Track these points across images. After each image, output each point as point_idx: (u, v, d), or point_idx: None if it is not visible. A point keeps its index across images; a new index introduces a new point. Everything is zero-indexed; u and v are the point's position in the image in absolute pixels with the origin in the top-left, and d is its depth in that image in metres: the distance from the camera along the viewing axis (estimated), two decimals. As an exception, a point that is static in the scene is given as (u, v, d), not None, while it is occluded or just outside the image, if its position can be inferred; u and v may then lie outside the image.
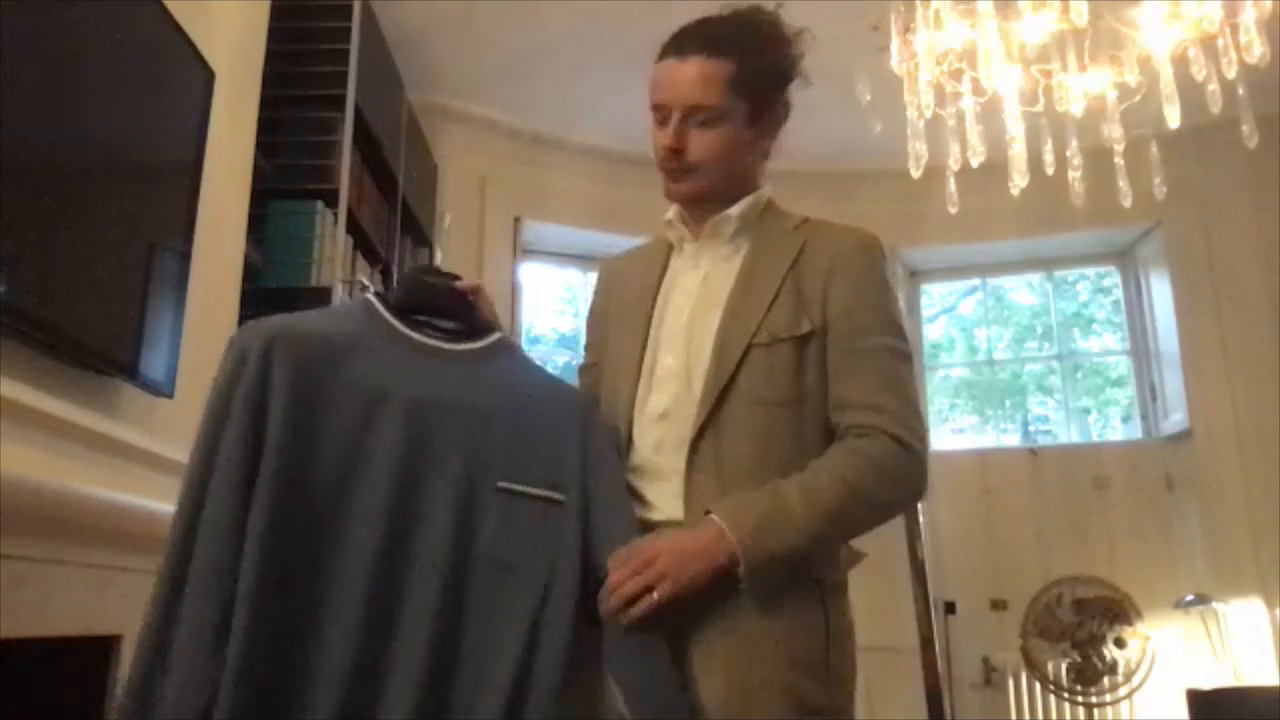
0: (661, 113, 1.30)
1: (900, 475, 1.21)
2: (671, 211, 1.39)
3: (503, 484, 1.17)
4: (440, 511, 1.12)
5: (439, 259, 4.01)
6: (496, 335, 1.28)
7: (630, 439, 1.29)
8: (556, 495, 1.18)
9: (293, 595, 1.06)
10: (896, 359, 1.26)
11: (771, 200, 1.39)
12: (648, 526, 1.23)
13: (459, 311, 1.27)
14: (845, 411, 1.23)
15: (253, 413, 1.08)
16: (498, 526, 1.14)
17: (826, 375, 1.25)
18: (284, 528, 1.07)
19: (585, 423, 1.24)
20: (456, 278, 1.30)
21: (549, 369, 1.36)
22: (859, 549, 1.31)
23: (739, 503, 1.17)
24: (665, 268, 1.38)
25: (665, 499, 1.24)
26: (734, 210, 1.34)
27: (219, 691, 1.00)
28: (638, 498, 1.26)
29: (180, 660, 1.01)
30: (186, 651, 1.01)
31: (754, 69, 1.28)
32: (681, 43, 1.29)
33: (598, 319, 1.48)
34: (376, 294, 1.26)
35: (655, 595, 1.11)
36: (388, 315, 1.22)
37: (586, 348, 1.50)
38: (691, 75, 1.27)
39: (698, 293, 1.33)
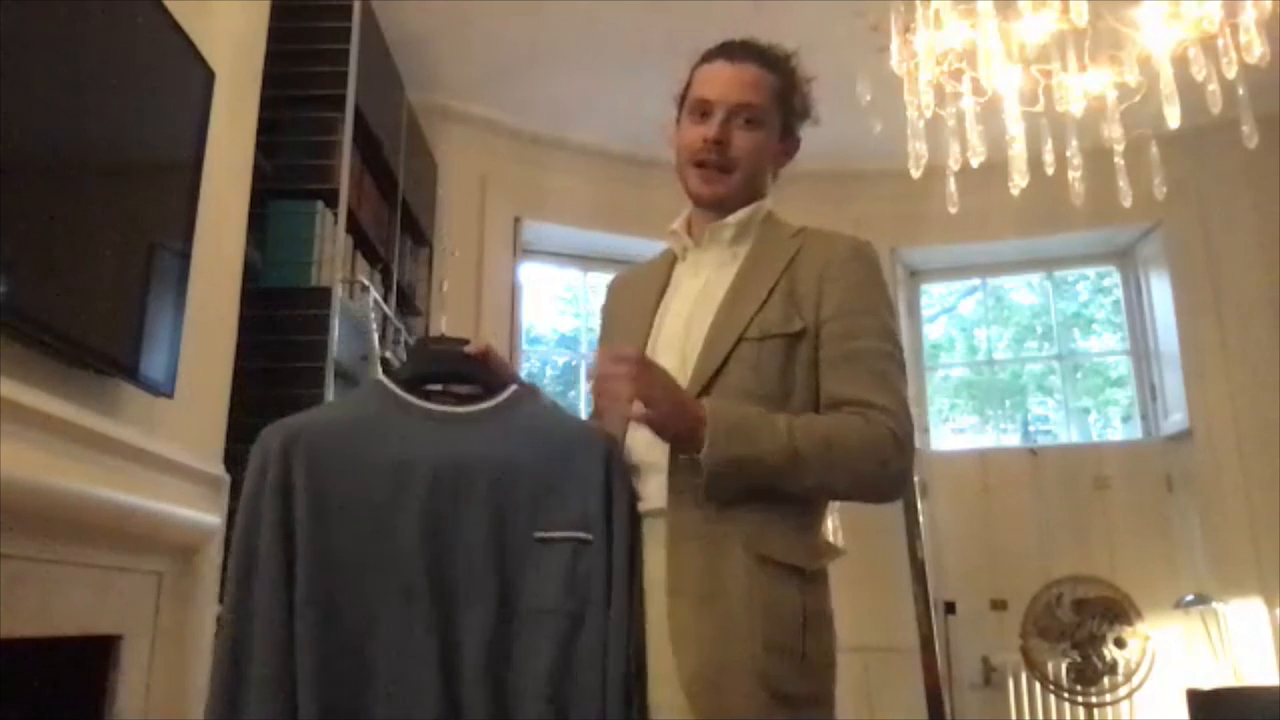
0: (705, 108, 1.37)
1: (884, 460, 1.22)
2: (678, 220, 1.44)
3: (539, 534, 1.20)
4: (479, 574, 1.17)
5: (437, 253, 4.02)
6: (512, 388, 1.30)
7: (624, 433, 1.31)
8: (586, 536, 1.21)
9: (345, 675, 1.11)
10: (889, 362, 1.29)
11: (771, 212, 1.44)
12: (638, 516, 1.26)
13: (473, 374, 1.29)
14: (839, 408, 1.26)
15: (280, 508, 1.13)
16: (538, 576, 1.18)
17: (815, 374, 1.28)
18: (327, 613, 1.12)
19: (608, 461, 1.26)
20: (465, 342, 1.32)
21: (567, 411, 1.39)
22: (836, 545, 1.34)
23: (729, 405, 1.21)
24: (669, 277, 1.44)
25: (653, 489, 1.26)
26: (732, 218, 1.39)
27: None
28: (634, 492, 1.28)
29: None
30: None
31: (792, 90, 1.40)
32: (733, 50, 1.40)
33: (605, 333, 1.53)
34: (385, 373, 1.31)
35: (633, 410, 1.17)
36: (398, 391, 1.25)
37: None
38: (745, 77, 1.37)
39: (696, 297, 1.37)
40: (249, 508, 1.15)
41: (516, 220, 4.47)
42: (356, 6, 2.90)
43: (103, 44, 1.69)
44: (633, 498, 1.26)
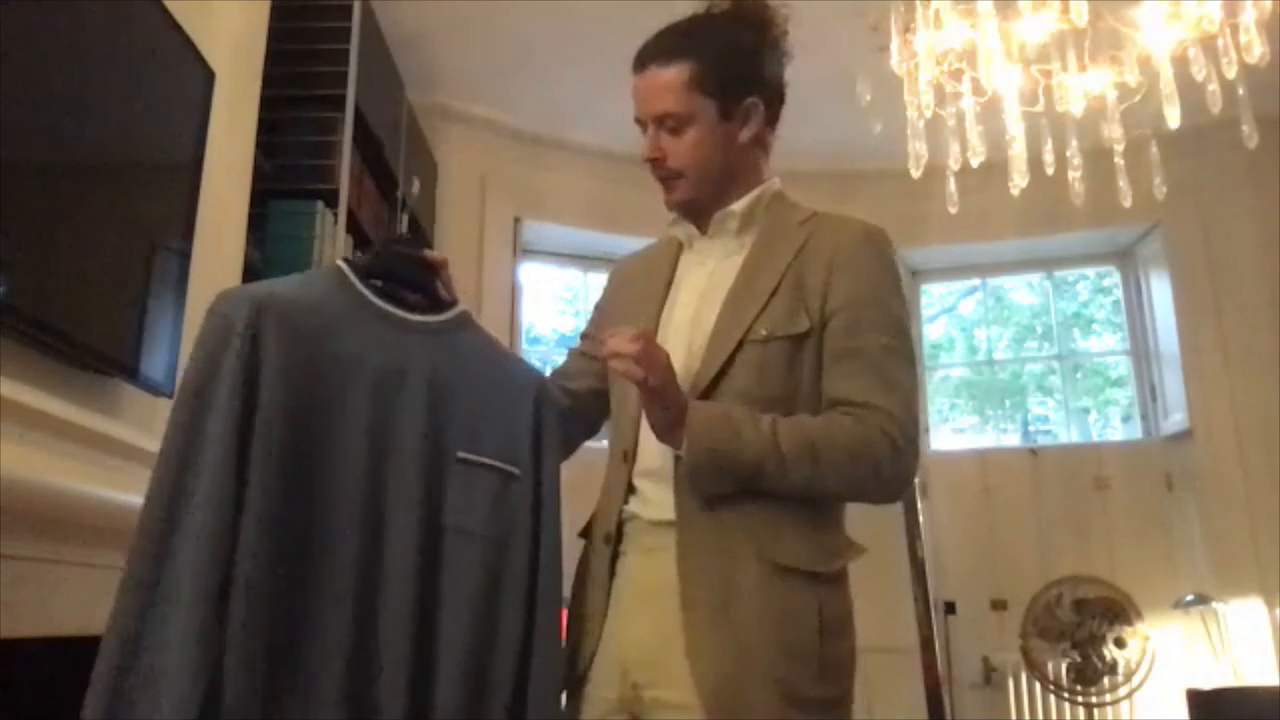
0: (641, 126, 1.33)
1: (877, 464, 1.19)
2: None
3: (462, 454, 1.20)
4: (408, 481, 1.17)
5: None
6: (460, 309, 1.30)
7: (636, 441, 1.29)
8: (514, 470, 1.22)
9: (289, 568, 1.08)
10: (894, 357, 1.23)
11: (781, 193, 1.38)
12: (643, 523, 1.25)
13: (424, 284, 1.29)
14: (835, 408, 1.22)
15: (244, 384, 1.09)
16: (459, 495, 1.19)
17: (820, 372, 1.24)
18: (278, 497, 1.08)
19: (540, 400, 1.27)
20: (426, 248, 1.32)
21: (505, 345, 1.40)
22: (858, 543, 1.29)
23: (715, 403, 1.21)
24: (675, 266, 1.39)
25: (662, 496, 1.24)
26: (737, 205, 1.33)
27: (226, 649, 1.01)
28: (644, 498, 1.27)
29: (180, 621, 1.00)
30: (186, 609, 1.01)
31: (713, 65, 1.29)
32: (640, 56, 1.32)
33: (603, 314, 1.48)
34: (347, 261, 1.28)
35: (649, 379, 1.16)
36: (360, 286, 1.24)
37: (583, 334, 1.51)
38: (650, 85, 1.30)
39: (703, 289, 1.33)
40: (203, 377, 1.09)
41: (516, 220, 4.47)
42: (356, 6, 2.90)
43: (103, 44, 1.69)
44: (560, 436, 1.27)
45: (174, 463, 1.07)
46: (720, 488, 1.19)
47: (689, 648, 1.16)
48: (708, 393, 1.23)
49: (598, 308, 1.52)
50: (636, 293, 1.41)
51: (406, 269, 1.28)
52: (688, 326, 1.30)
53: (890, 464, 1.19)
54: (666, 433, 1.20)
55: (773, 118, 1.37)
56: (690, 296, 1.33)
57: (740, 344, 1.24)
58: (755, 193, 1.34)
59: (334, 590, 1.10)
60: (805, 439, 1.18)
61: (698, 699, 1.14)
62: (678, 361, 1.27)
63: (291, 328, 1.14)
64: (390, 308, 1.24)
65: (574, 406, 1.37)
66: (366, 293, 1.23)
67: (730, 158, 1.33)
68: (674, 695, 1.16)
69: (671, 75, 1.28)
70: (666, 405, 1.18)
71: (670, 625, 1.18)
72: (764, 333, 1.24)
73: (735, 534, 1.19)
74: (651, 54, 1.31)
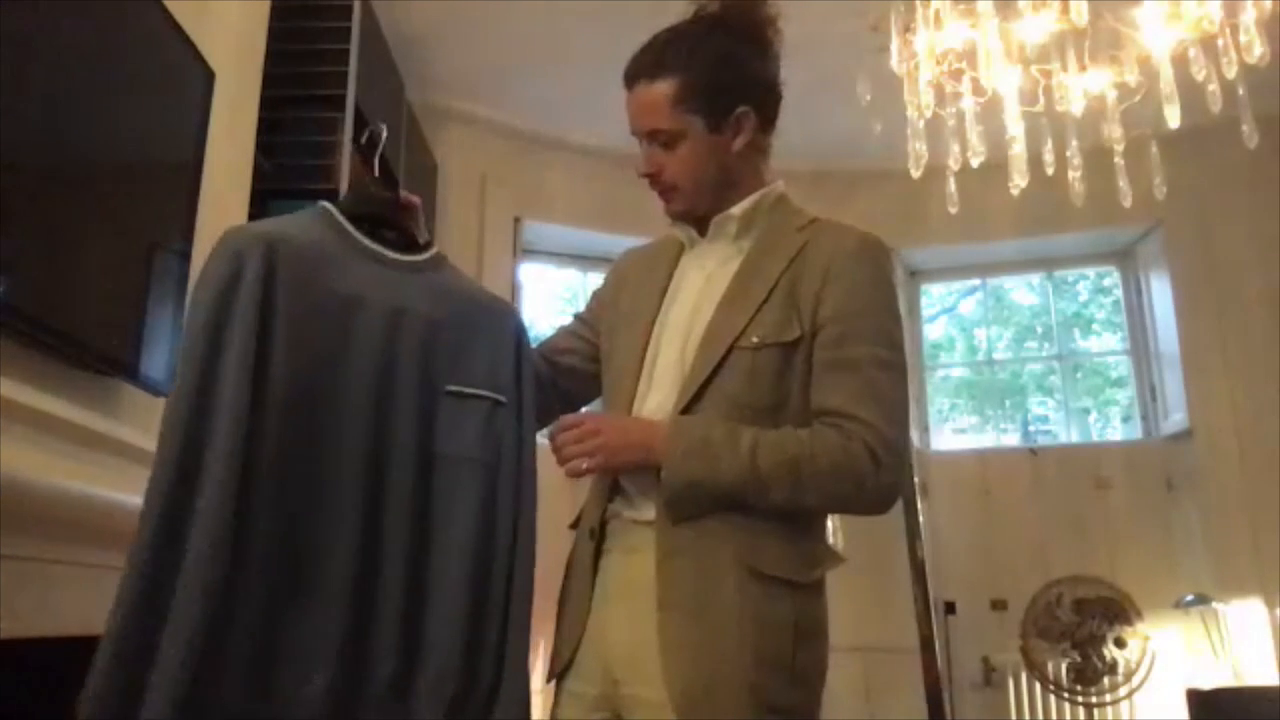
0: (637, 140, 1.34)
1: (860, 479, 1.18)
2: None
3: (452, 387, 1.27)
4: (405, 412, 1.23)
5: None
6: (436, 250, 1.36)
7: None
8: (500, 397, 1.29)
9: (301, 490, 1.15)
10: (884, 369, 1.22)
11: (783, 197, 1.37)
12: (626, 522, 1.27)
13: (399, 223, 1.34)
14: (821, 419, 1.22)
15: (259, 318, 1.14)
16: (450, 424, 1.26)
17: (810, 380, 1.24)
18: (291, 427, 1.15)
19: (518, 334, 1.35)
20: (397, 192, 1.37)
21: (478, 282, 1.49)
22: (838, 552, 1.30)
23: (694, 422, 1.22)
24: (675, 266, 1.39)
25: (644, 496, 1.25)
26: (736, 210, 1.33)
27: (242, 562, 1.08)
28: (628, 497, 1.28)
29: (200, 546, 1.05)
30: (206, 534, 1.06)
31: (698, 79, 1.28)
32: (627, 72, 1.33)
33: (601, 301, 1.49)
34: (331, 202, 1.33)
35: (586, 464, 1.23)
36: (348, 226, 1.29)
37: (577, 315, 1.53)
38: (639, 103, 1.31)
39: (700, 291, 1.33)
40: (216, 309, 1.13)
41: (516, 220, 4.47)
42: (356, 6, 2.90)
43: (103, 44, 1.69)
44: (534, 366, 1.35)
45: (193, 387, 1.10)
46: (699, 513, 1.20)
47: (663, 647, 1.17)
48: (698, 396, 1.23)
49: (596, 295, 1.52)
50: (636, 291, 1.41)
51: (383, 210, 1.34)
52: (682, 329, 1.30)
53: (873, 478, 1.18)
54: (644, 464, 1.23)
55: (768, 120, 1.35)
56: (687, 298, 1.34)
57: (731, 349, 1.23)
58: (755, 197, 1.34)
59: (342, 520, 1.16)
60: (786, 457, 1.17)
61: (663, 693, 1.15)
62: (672, 359, 1.28)
63: (299, 267, 1.20)
64: (379, 248, 1.30)
65: (552, 376, 1.42)
66: (355, 233, 1.29)
67: (725, 167, 1.32)
68: (650, 693, 1.18)
69: (658, 93, 1.28)
70: (631, 460, 1.24)
71: (648, 624, 1.19)
72: (755, 339, 1.23)
73: (715, 538, 1.19)
74: (637, 70, 1.31)
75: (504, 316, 1.36)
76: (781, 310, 1.25)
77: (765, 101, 1.34)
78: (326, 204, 1.32)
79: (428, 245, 1.35)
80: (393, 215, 1.33)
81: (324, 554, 1.15)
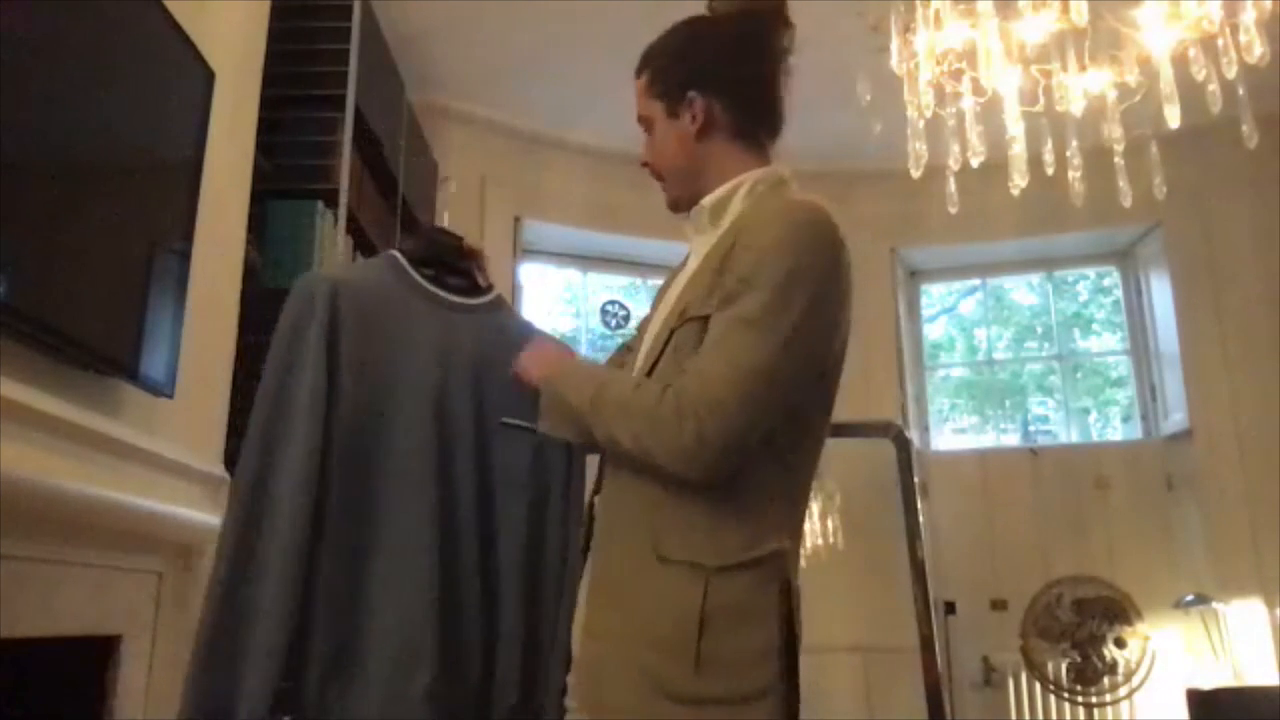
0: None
1: (661, 430, 1.14)
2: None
3: (506, 420, 1.42)
4: (464, 443, 1.39)
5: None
6: (495, 293, 1.50)
7: None
8: None
9: (365, 515, 1.33)
10: (745, 329, 1.15)
11: (778, 183, 1.33)
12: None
13: (468, 270, 1.49)
14: None
15: (328, 346, 1.30)
16: (504, 454, 1.42)
17: None
18: (357, 454, 1.31)
19: None
20: (462, 239, 1.52)
21: (532, 324, 1.64)
22: (785, 541, 1.27)
23: (590, 362, 1.38)
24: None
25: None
26: (707, 200, 1.33)
27: (317, 562, 1.26)
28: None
29: (277, 549, 1.24)
30: (284, 538, 1.24)
31: (660, 68, 1.38)
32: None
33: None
34: (399, 250, 1.48)
35: (514, 370, 1.39)
36: (413, 273, 1.45)
37: (625, 345, 1.60)
38: (636, 94, 1.41)
39: (682, 284, 1.35)
40: (290, 340, 1.30)
41: (516, 220, 4.47)
42: (356, 6, 2.90)
43: (103, 44, 1.69)
44: None
45: (269, 411, 1.29)
46: (564, 432, 1.29)
47: (577, 627, 1.27)
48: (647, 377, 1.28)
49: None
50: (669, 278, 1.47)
51: (449, 256, 1.48)
52: (660, 320, 1.34)
53: (673, 427, 1.13)
54: (541, 380, 1.34)
55: (739, 110, 1.34)
56: (673, 291, 1.36)
57: (672, 331, 1.24)
58: (727, 185, 1.32)
59: (420, 547, 1.32)
60: (611, 395, 1.23)
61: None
62: (642, 354, 1.33)
63: (360, 305, 1.35)
64: (439, 291, 1.45)
65: None
66: (418, 278, 1.44)
67: (690, 154, 1.35)
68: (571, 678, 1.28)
69: (640, 83, 1.40)
70: (535, 375, 1.35)
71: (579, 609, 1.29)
72: (685, 317, 1.23)
73: (635, 523, 1.21)
74: (637, 63, 1.42)
75: None
76: (708, 286, 1.22)
77: (730, 90, 1.34)
78: (395, 253, 1.46)
79: (489, 288, 1.50)
80: (455, 260, 1.49)
81: (399, 581, 1.31)
